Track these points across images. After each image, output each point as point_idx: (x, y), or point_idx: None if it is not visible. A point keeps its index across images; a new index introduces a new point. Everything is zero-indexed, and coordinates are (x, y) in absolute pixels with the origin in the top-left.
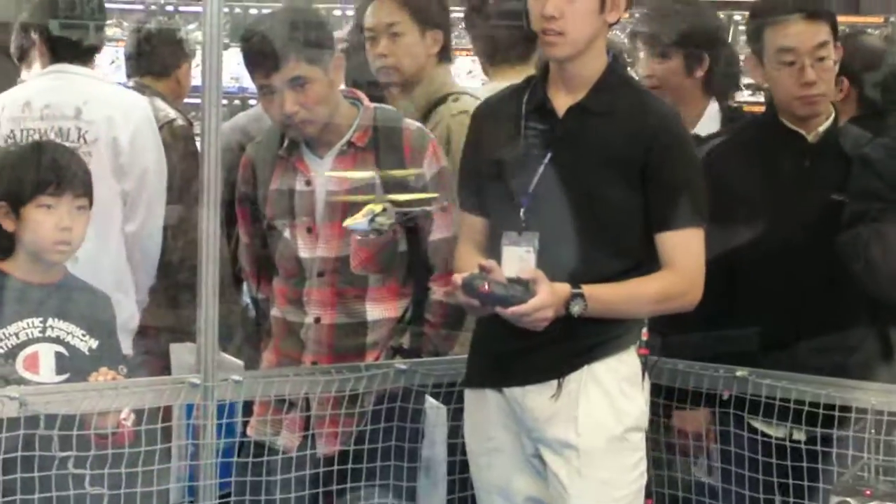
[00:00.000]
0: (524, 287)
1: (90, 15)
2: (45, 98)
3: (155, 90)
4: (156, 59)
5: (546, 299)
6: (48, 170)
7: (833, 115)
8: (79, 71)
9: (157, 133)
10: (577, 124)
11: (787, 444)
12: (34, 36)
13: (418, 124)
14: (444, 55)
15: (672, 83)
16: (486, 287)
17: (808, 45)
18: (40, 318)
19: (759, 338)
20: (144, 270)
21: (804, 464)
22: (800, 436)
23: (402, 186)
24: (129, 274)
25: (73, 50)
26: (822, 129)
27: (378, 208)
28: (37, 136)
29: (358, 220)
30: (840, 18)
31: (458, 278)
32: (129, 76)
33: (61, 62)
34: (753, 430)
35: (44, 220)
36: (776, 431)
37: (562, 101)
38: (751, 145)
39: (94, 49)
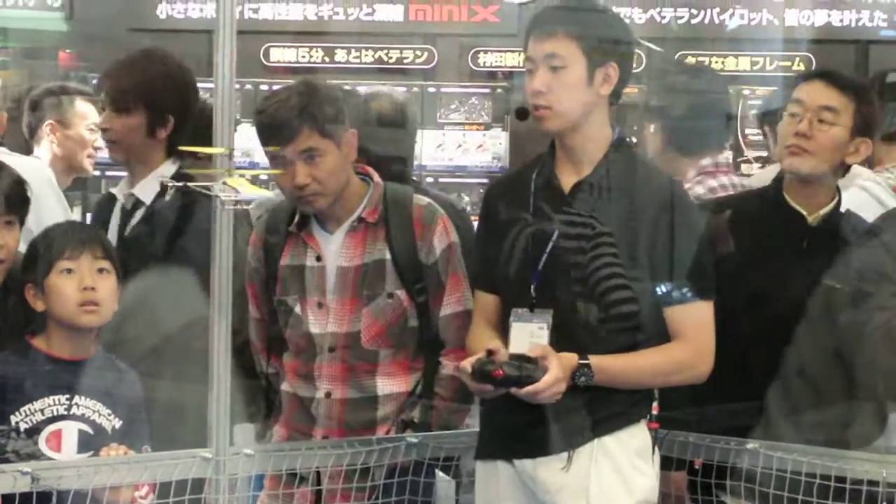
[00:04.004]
0: (534, 365)
1: None
2: None
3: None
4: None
5: (557, 373)
6: (62, 237)
7: (836, 199)
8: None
9: (60, 196)
10: (583, 201)
11: None
12: None
13: (428, 200)
14: None
15: None
16: (500, 372)
17: (814, 102)
18: (67, 396)
19: (746, 413)
20: None
21: None
22: None
23: (414, 263)
24: None
25: None
26: (823, 212)
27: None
28: None
29: None
30: None
31: (467, 366)
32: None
33: None
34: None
35: (65, 284)
36: None
37: (568, 178)
38: (752, 217)
39: None
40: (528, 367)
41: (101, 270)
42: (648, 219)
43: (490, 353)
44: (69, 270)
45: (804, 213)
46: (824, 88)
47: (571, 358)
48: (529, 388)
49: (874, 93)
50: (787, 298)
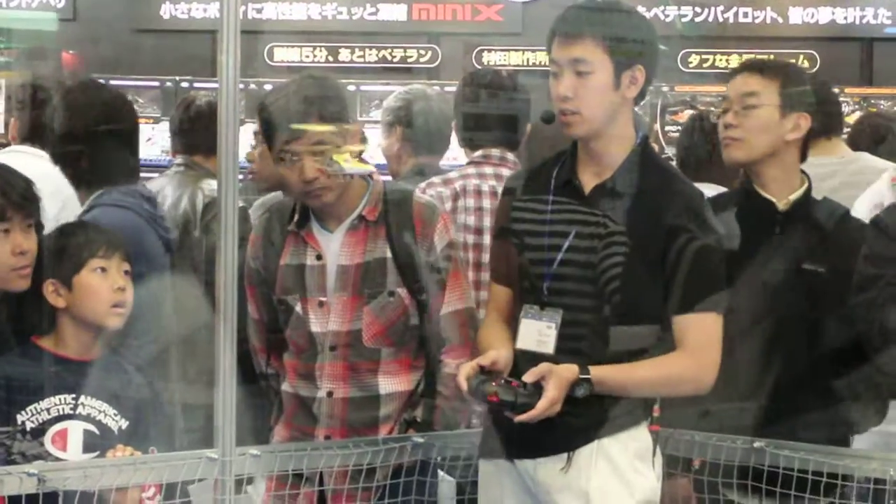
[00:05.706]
0: (532, 389)
1: None
2: None
3: (205, 168)
4: (206, 136)
5: (554, 396)
6: (96, 236)
7: (806, 185)
8: (28, 150)
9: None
10: (602, 203)
11: None
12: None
13: (428, 198)
14: None
15: None
16: (496, 397)
17: (736, 92)
18: (73, 395)
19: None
20: None
21: None
22: None
23: (415, 260)
24: None
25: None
26: (792, 197)
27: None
28: None
29: None
30: (854, 90)
31: (464, 384)
32: (176, 153)
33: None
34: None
35: (99, 284)
36: (750, 502)
37: (588, 179)
38: (725, 210)
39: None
40: (522, 392)
41: (126, 273)
42: (665, 225)
43: (482, 370)
44: (103, 269)
45: (773, 199)
46: (745, 77)
47: (572, 370)
48: (523, 416)
49: (803, 72)
50: (765, 285)
